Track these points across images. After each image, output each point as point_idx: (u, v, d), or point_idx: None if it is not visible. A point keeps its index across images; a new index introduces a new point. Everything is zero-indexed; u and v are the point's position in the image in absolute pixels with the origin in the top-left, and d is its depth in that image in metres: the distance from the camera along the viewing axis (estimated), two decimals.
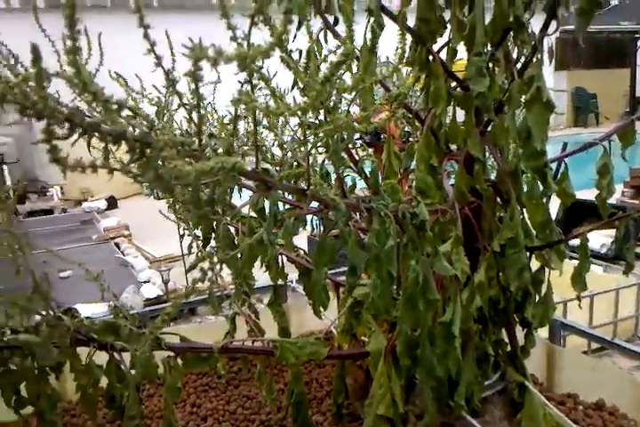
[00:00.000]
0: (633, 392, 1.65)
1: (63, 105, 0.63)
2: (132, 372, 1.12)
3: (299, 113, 0.69)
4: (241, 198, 1.17)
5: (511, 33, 1.08)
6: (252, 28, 0.63)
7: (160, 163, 0.59)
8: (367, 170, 1.52)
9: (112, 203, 7.63)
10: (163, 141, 0.56)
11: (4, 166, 7.30)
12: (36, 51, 0.45)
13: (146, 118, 0.60)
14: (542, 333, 1.75)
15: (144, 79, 2.01)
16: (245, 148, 1.75)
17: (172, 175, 0.58)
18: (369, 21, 1.08)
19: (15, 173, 7.66)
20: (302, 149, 0.87)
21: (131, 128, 0.58)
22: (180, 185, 0.75)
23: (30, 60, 0.46)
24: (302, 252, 1.51)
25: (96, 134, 0.54)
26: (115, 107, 0.54)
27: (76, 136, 0.54)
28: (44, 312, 1.11)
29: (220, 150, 0.70)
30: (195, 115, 0.63)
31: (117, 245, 5.49)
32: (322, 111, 0.93)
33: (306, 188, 0.80)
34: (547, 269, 1.21)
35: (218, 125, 2.25)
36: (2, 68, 0.92)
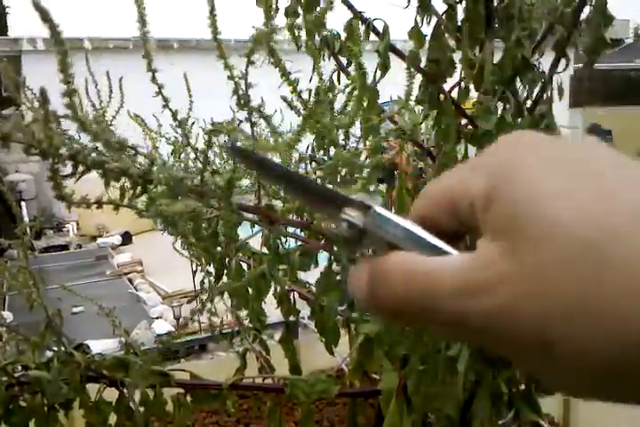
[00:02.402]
0: None
1: (84, 146, 0.65)
2: (142, 409, 1.10)
3: (296, 147, 0.70)
4: (253, 233, 1.18)
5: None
6: (248, 67, 0.64)
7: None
8: None
9: (126, 238, 7.68)
10: (164, 178, 0.57)
11: (22, 203, 7.43)
12: (43, 93, 0.47)
13: (147, 156, 0.61)
14: None
15: (163, 119, 2.06)
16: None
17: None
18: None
19: (32, 209, 7.79)
20: None
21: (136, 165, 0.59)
22: (182, 220, 0.76)
23: (39, 101, 0.48)
24: (313, 288, 1.50)
25: (99, 171, 0.56)
26: (116, 146, 0.56)
27: (80, 174, 0.55)
28: (55, 348, 1.11)
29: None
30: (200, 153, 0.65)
31: (130, 281, 5.50)
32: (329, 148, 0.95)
33: (310, 222, 0.80)
34: None
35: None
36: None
